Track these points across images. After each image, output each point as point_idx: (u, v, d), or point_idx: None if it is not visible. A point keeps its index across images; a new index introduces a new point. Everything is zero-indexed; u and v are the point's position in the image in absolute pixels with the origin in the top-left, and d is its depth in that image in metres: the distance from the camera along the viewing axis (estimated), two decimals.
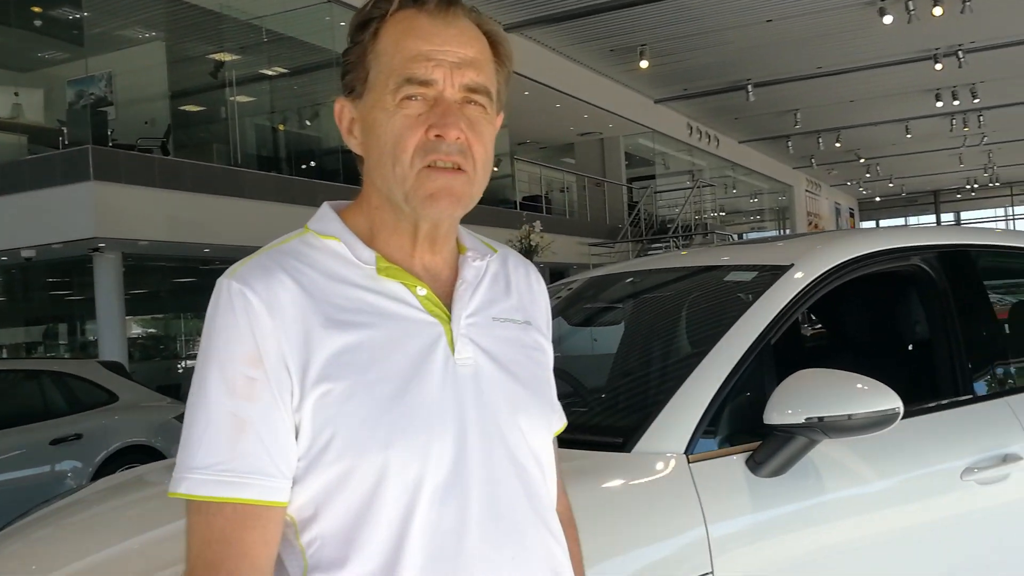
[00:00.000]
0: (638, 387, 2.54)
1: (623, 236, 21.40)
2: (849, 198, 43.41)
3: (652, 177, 25.47)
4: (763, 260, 2.68)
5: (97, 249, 10.84)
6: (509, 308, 1.23)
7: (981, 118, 24.82)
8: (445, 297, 1.17)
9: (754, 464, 2.15)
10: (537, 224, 11.63)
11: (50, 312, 17.03)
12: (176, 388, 14.88)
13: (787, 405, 2.11)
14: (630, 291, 3.18)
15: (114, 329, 11.23)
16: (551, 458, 1.23)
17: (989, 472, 2.45)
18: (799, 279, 2.48)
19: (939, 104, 22.71)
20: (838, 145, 27.39)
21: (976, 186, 39.55)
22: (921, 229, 2.86)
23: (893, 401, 2.12)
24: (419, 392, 1.08)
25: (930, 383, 2.70)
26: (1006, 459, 2.50)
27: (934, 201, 43.71)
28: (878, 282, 2.90)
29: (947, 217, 45.23)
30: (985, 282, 2.94)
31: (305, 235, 1.16)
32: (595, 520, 1.94)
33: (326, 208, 1.20)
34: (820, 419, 2.07)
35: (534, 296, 1.30)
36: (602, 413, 2.59)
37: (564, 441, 2.27)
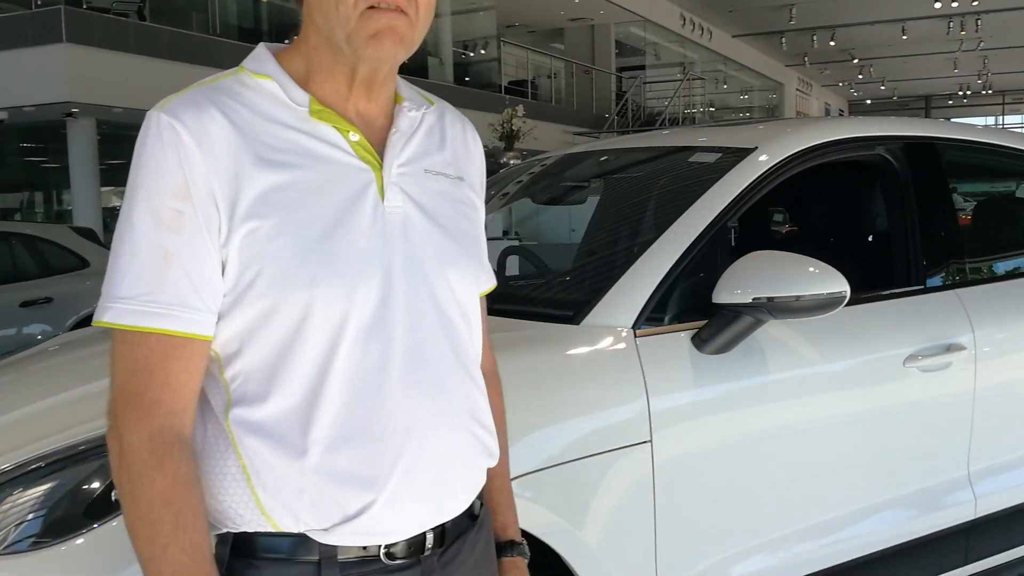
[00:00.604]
0: (596, 265, 2.56)
1: (609, 126, 21.19)
2: (840, 99, 43.01)
3: (642, 68, 25.08)
4: (728, 142, 2.67)
5: (71, 114, 10.65)
6: (442, 162, 1.23)
7: (979, 21, 24.40)
8: (378, 145, 1.16)
9: (700, 341, 2.18)
10: (520, 109, 11.47)
11: (25, 179, 16.82)
12: None
13: (736, 285, 2.13)
14: (597, 170, 3.16)
15: (88, 197, 11.13)
16: (477, 314, 1.24)
17: (931, 360, 2.50)
18: (761, 162, 2.48)
19: (938, 5, 22.31)
20: (832, 44, 26.95)
21: (969, 93, 39.20)
22: (888, 120, 2.84)
23: (840, 284, 2.15)
24: (347, 235, 1.09)
25: (884, 273, 2.73)
26: (949, 348, 2.55)
27: (925, 107, 43.33)
28: (843, 171, 2.90)
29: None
30: (958, 179, 2.95)
31: (240, 74, 1.14)
32: (541, 386, 1.99)
33: (262, 48, 1.18)
34: (766, 299, 2.09)
35: (469, 153, 1.29)
36: (559, 288, 2.61)
37: (519, 313, 2.32)
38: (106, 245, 7.58)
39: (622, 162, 3.06)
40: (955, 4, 22.25)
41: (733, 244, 2.59)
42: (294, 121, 1.11)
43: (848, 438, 2.40)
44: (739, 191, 2.40)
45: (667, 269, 2.24)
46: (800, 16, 23.86)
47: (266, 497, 1.08)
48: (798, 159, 2.55)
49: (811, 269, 2.15)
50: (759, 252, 2.22)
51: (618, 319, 2.16)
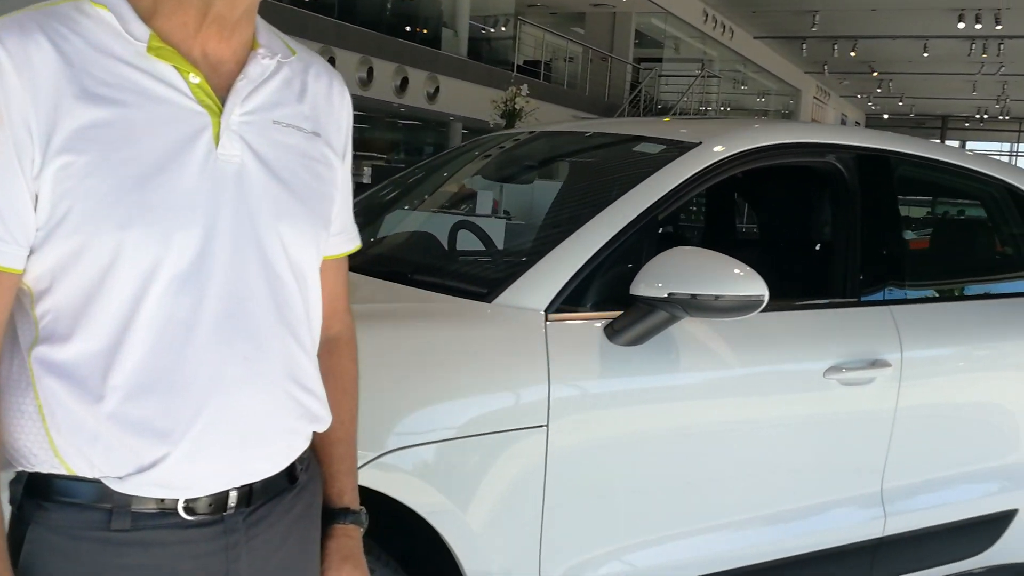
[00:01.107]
0: (525, 245, 2.53)
1: (619, 114, 21.09)
2: (857, 112, 42.80)
3: (659, 60, 24.93)
4: (674, 135, 2.63)
5: None
6: (297, 115, 1.19)
7: (1001, 46, 24.25)
8: (222, 90, 1.12)
9: (612, 332, 2.15)
10: (524, 87, 11.39)
11: None
12: None
13: (654, 278, 2.10)
14: (550, 152, 3.13)
15: None
16: (316, 273, 1.20)
17: (854, 374, 2.47)
18: (702, 158, 2.44)
19: (961, 25, 22.14)
20: (853, 54, 26.79)
21: (986, 116, 39.00)
22: (842, 128, 2.81)
23: (759, 288, 2.11)
24: (171, 179, 1.05)
25: (819, 282, 2.70)
26: (874, 364, 2.52)
27: (941, 127, 43.14)
28: (793, 176, 2.87)
29: (952, 144, 44.74)
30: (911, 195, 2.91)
31: (80, 1, 1.10)
32: (440, 361, 1.96)
33: None
34: (682, 295, 2.07)
35: (333, 109, 1.25)
36: (485, 266, 2.58)
37: (439, 286, 2.29)
38: None
39: (575, 146, 3.02)
40: (978, 26, 22.07)
41: (669, 238, 2.56)
42: (130, 56, 1.07)
43: (757, 444, 2.37)
44: (675, 185, 2.37)
45: (589, 256, 2.21)
46: (823, 23, 23.70)
47: (60, 439, 1.05)
48: (743, 158, 2.52)
49: (732, 270, 2.12)
50: (683, 248, 2.19)
51: (531, 301, 2.13)
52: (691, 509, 2.30)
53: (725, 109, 29.73)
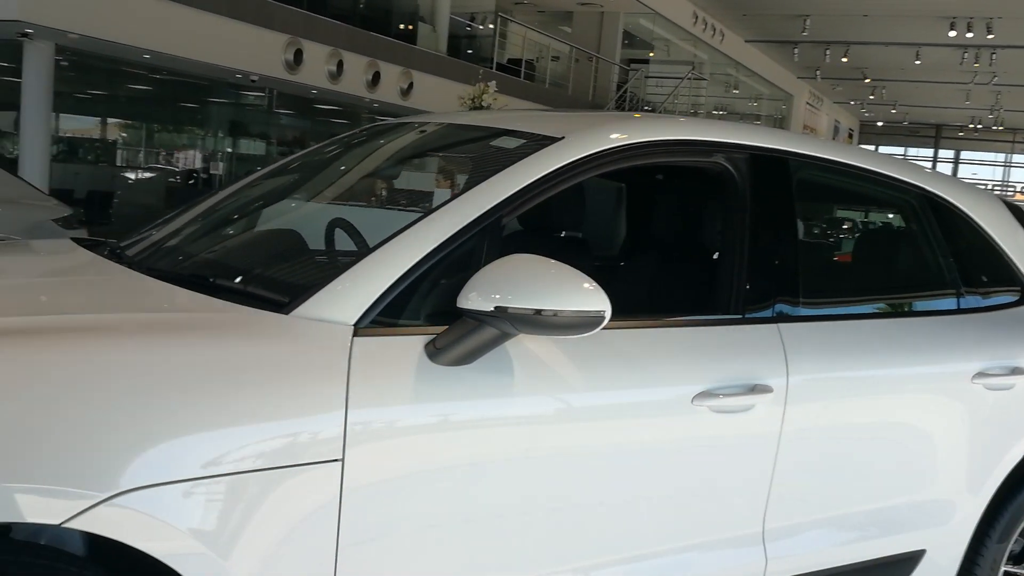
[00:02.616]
0: (348, 248, 2.24)
1: None
2: (851, 118, 42.53)
3: (646, 62, 24.65)
4: (538, 128, 2.34)
5: (26, 35, 10.28)
6: None
7: (994, 56, 23.99)
8: None
9: (433, 350, 1.87)
10: (492, 84, 11.10)
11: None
12: (104, 196, 14.57)
13: (483, 289, 1.81)
14: (407, 145, 2.82)
15: (38, 124, 10.79)
16: None
17: (728, 400, 2.18)
18: (561, 155, 2.16)
19: (952, 33, 21.89)
20: (845, 60, 26.54)
21: (980, 127, 38.73)
22: (733, 125, 2.51)
23: (599, 303, 1.83)
24: None
25: (699, 295, 2.41)
26: (755, 389, 2.23)
27: (935, 135, 42.91)
28: (677, 177, 2.58)
29: (947, 153, 44.50)
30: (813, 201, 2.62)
31: None
32: (210, 382, 1.67)
33: None
34: (511, 309, 1.78)
35: None
36: (297, 271, 2.29)
37: (237, 294, 1.99)
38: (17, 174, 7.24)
39: (434, 140, 2.72)
40: (970, 35, 21.82)
41: (525, 243, 2.27)
42: None
43: (609, 479, 2.08)
44: (524, 184, 2.08)
45: (413, 262, 1.93)
46: (814, 28, 23.44)
47: None
48: (612, 156, 2.23)
49: (569, 281, 1.83)
50: (517, 256, 1.90)
51: (337, 313, 1.85)
52: (526, 553, 2.01)
53: (721, 112, 29.45)
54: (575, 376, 2.04)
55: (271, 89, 16.08)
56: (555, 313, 1.81)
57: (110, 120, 17.30)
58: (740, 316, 2.34)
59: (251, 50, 11.86)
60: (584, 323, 1.84)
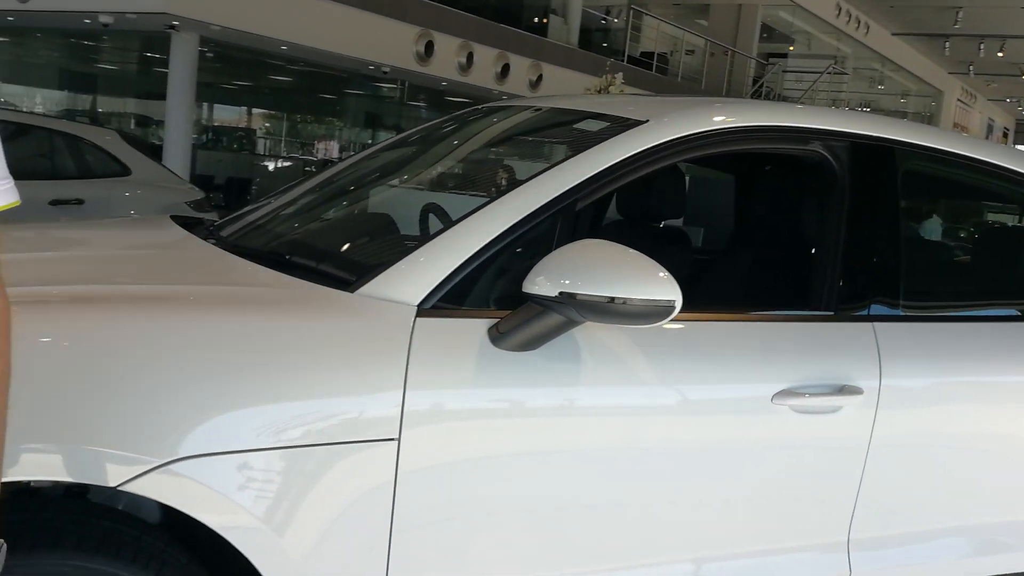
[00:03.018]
0: (425, 229, 2.23)
1: None
2: (1007, 117, 40.24)
3: (785, 56, 23.93)
4: (624, 112, 2.28)
5: (173, 27, 10.77)
6: None
7: None
8: None
9: (496, 334, 1.84)
10: (619, 76, 11.00)
11: (128, 87, 17.29)
12: (243, 183, 15.13)
13: (550, 274, 1.77)
14: (501, 130, 2.79)
15: (182, 113, 11.29)
16: None
17: (813, 400, 2.07)
18: (639, 140, 2.09)
19: None
20: (1001, 55, 25.09)
21: None
22: (837, 111, 2.38)
23: (670, 292, 1.76)
24: None
25: (787, 290, 2.30)
26: (843, 390, 2.11)
27: None
28: (771, 166, 2.47)
29: None
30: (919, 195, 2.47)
31: None
32: (269, 357, 1.68)
33: None
34: (573, 295, 1.74)
35: None
36: (365, 250, 2.28)
37: (304, 269, 2.00)
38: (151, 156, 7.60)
39: (522, 124, 2.68)
40: None
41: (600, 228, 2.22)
42: None
43: (675, 476, 2.00)
44: (600, 169, 2.03)
45: (480, 246, 1.90)
46: (967, 21, 22.24)
47: None
48: (697, 142, 2.15)
49: (639, 268, 1.77)
50: (588, 241, 1.85)
51: (400, 294, 1.84)
52: (587, 548, 1.96)
53: (866, 109, 28.34)
54: (644, 368, 1.97)
55: (403, 81, 16.38)
56: (625, 301, 1.75)
57: (253, 110, 18.00)
58: (831, 313, 2.22)
59: (383, 42, 12.10)
60: (653, 313, 1.77)
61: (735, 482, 2.07)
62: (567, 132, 2.36)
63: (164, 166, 7.76)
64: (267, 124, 18.66)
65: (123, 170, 6.94)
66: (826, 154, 2.29)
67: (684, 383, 2.01)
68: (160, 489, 1.58)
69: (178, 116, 11.30)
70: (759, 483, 2.10)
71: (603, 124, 2.24)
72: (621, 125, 2.17)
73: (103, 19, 10.85)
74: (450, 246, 1.91)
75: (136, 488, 1.56)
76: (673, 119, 2.16)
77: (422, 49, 12.90)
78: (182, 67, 11.25)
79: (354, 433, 1.72)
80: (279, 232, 2.44)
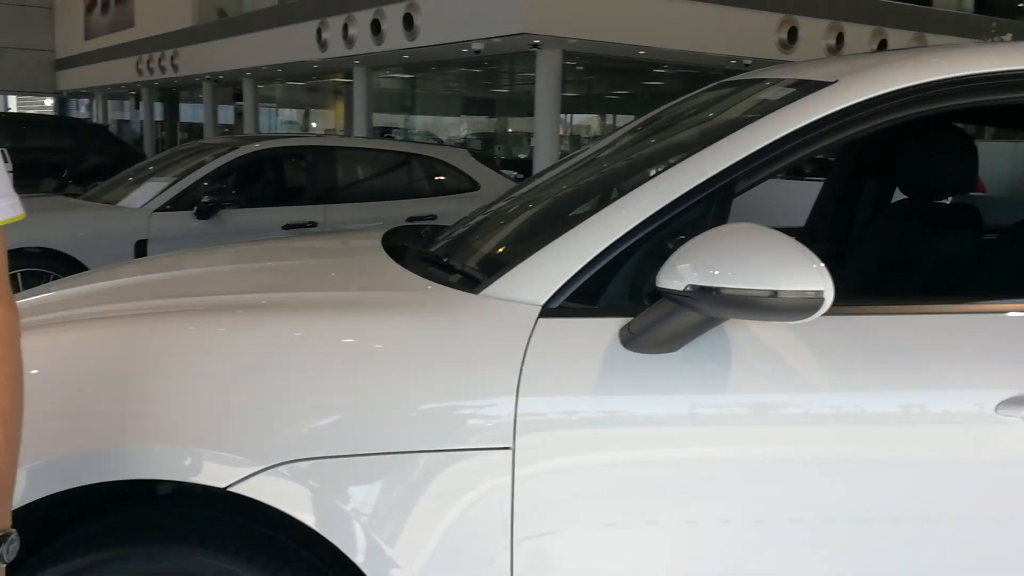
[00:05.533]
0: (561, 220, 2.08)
1: None
2: None
3: None
4: (810, 75, 1.96)
5: (536, 45, 11.31)
6: None
7: None
8: None
9: (627, 334, 1.67)
10: (1007, 36, 9.63)
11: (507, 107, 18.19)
12: None
13: (685, 265, 1.58)
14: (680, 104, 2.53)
15: (548, 124, 11.82)
16: None
17: None
18: (828, 103, 1.78)
19: None
20: None
21: None
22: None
23: (818, 282, 1.49)
24: None
25: (1001, 274, 1.83)
26: None
27: None
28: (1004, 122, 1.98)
29: None
30: None
31: None
32: (382, 359, 1.67)
33: None
34: (715, 289, 1.53)
35: None
36: (513, 251, 2.15)
37: (454, 272, 1.94)
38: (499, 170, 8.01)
39: (703, 99, 2.40)
40: None
41: None
42: None
43: (846, 496, 1.67)
44: (766, 142, 1.76)
45: (617, 237, 1.74)
46: None
47: None
48: (897, 100, 1.80)
49: (783, 255, 1.52)
50: (729, 227, 1.63)
51: (524, 294, 1.73)
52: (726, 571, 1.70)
53: None
54: (814, 372, 1.67)
55: None
56: (774, 294, 1.51)
57: (614, 116, 18.37)
58: None
59: (742, 34, 11.74)
60: (805, 307, 1.50)
61: (937, 506, 1.69)
62: (746, 104, 2.08)
63: (510, 179, 8.15)
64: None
65: (472, 185, 7.39)
66: None
67: (865, 389, 1.67)
68: (267, 492, 1.61)
69: (545, 128, 11.84)
70: (972, 507, 1.69)
71: (787, 91, 1.95)
72: (803, 89, 1.87)
73: (475, 46, 11.70)
74: (581, 240, 1.76)
75: (243, 489, 1.61)
76: (868, 76, 1.82)
77: (785, 36, 12.32)
78: (547, 81, 11.77)
79: (466, 440, 1.64)
80: (461, 236, 2.42)
